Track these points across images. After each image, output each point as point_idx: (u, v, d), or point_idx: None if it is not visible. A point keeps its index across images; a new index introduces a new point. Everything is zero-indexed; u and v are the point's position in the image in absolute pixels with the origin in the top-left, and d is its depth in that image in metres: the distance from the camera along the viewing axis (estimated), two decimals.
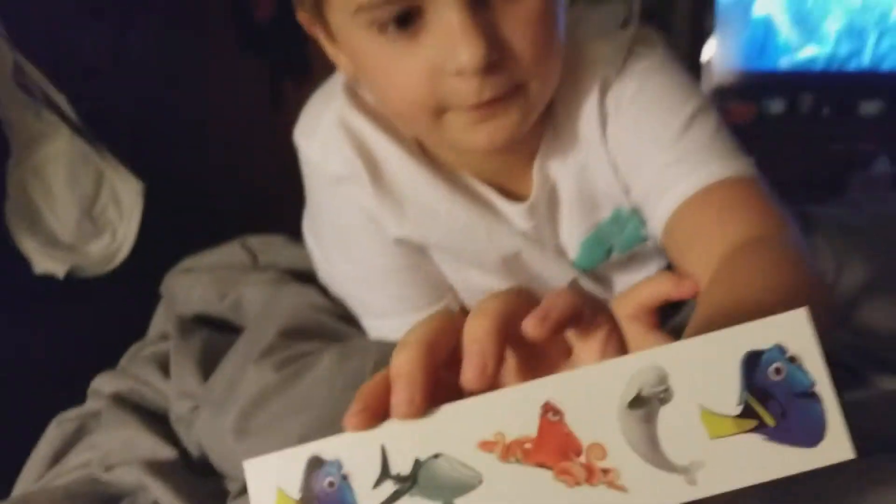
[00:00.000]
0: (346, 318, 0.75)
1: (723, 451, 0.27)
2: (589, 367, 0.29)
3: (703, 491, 0.27)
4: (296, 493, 0.31)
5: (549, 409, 0.29)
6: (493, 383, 0.30)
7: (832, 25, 1.87)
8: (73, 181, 1.22)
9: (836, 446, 0.26)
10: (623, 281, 0.76)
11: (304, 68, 1.73)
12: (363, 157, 0.66)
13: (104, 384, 0.77)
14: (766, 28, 1.92)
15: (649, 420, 0.28)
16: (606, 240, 0.72)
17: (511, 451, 0.29)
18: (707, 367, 0.28)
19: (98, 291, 1.21)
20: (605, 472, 0.28)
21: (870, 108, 1.90)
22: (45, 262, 1.18)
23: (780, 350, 0.27)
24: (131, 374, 0.78)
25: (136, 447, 0.67)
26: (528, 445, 0.29)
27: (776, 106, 2.05)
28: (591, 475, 0.28)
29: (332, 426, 0.59)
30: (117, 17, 1.43)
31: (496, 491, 0.29)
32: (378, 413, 0.30)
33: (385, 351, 0.65)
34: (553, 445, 0.28)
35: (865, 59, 1.85)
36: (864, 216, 0.88)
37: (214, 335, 0.79)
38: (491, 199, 0.69)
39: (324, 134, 0.68)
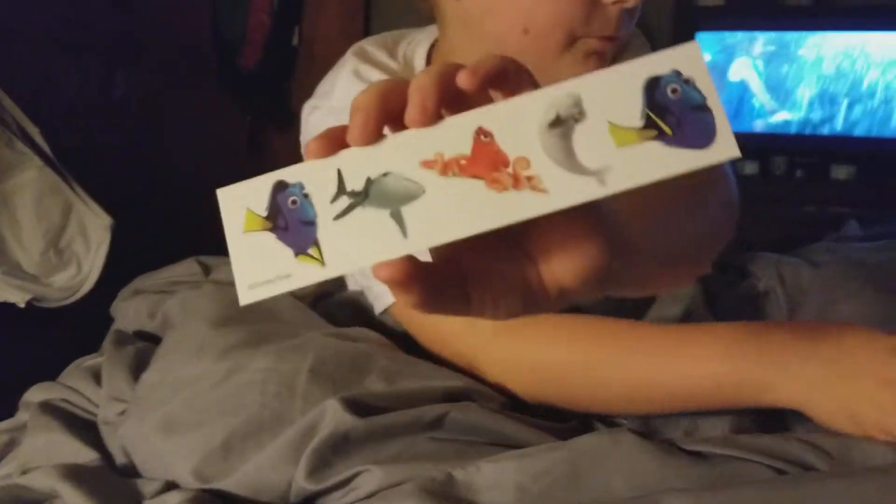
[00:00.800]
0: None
1: (628, 156, 0.32)
2: (514, 98, 0.34)
3: (611, 188, 0.32)
4: (263, 212, 0.36)
5: (481, 132, 0.33)
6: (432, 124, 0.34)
7: (805, 92, 1.91)
8: (40, 212, 1.23)
9: (725, 146, 0.31)
10: None
11: (285, 117, 1.76)
12: None
13: (35, 395, 0.76)
14: (742, 92, 1.96)
15: (566, 136, 0.32)
16: None
17: (449, 167, 0.34)
18: (614, 90, 0.32)
19: (59, 315, 1.20)
20: (529, 178, 0.33)
21: (841, 172, 1.93)
22: (7, 292, 1.17)
23: (675, 74, 0.32)
24: (63, 384, 0.77)
25: (58, 451, 0.66)
26: (463, 162, 0.34)
27: (750, 167, 2.08)
28: (518, 182, 0.33)
29: (259, 430, 0.60)
30: (105, 58, 1.46)
31: (437, 198, 0.34)
32: (335, 143, 0.35)
33: (322, 354, 0.65)
34: (485, 160, 0.33)
35: (837, 125, 1.88)
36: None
37: (148, 345, 0.79)
38: None
39: (342, 85, 0.76)
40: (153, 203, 1.45)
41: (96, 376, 0.76)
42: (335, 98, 0.77)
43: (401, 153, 0.34)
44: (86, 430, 0.69)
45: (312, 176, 0.35)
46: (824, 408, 0.57)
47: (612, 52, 0.73)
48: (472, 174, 0.33)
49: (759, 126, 2.03)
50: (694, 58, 0.32)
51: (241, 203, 0.36)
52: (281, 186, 0.36)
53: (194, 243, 1.41)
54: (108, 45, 1.46)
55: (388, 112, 0.35)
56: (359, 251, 0.35)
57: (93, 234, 1.28)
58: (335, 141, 0.35)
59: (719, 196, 0.71)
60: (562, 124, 0.33)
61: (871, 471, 0.51)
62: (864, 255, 0.89)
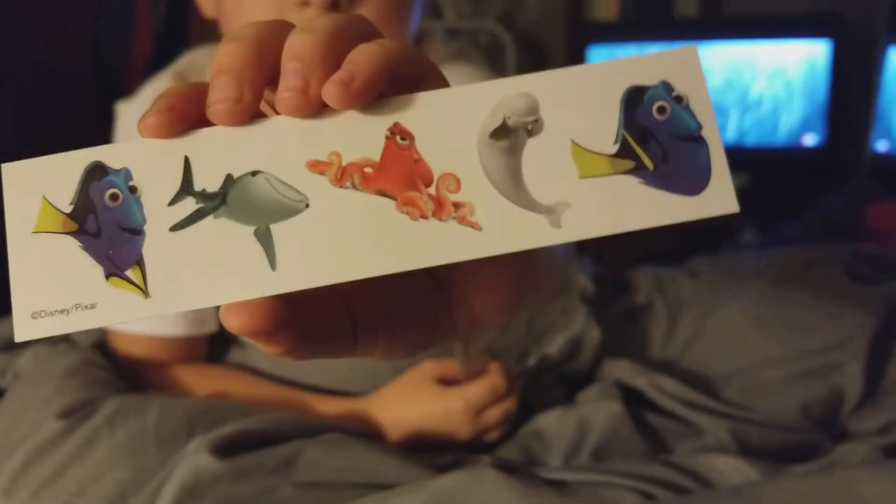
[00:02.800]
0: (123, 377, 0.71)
1: (593, 192, 0.24)
2: (449, 90, 0.25)
3: (566, 235, 0.24)
4: (66, 205, 0.25)
5: (398, 130, 0.25)
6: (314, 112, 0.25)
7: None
8: None
9: (720, 197, 0.24)
10: None
11: None
12: None
13: None
14: None
15: (513, 152, 0.24)
16: None
17: (347, 175, 0.24)
18: (584, 98, 0.24)
19: None
20: (458, 206, 0.24)
21: (736, 181, 1.93)
22: None
23: (665, 87, 0.25)
24: None
25: None
26: (368, 170, 0.24)
27: None
28: (441, 208, 0.24)
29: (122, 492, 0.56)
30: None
31: (324, 218, 0.24)
32: (185, 116, 0.25)
33: (166, 410, 0.62)
34: (399, 172, 0.24)
35: (730, 135, 1.92)
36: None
37: None
38: None
39: (141, 102, 0.72)
40: None
41: None
42: (154, 89, 0.73)
43: (281, 146, 0.25)
44: None
45: (146, 162, 0.25)
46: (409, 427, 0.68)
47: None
48: (378, 189, 0.24)
49: None
50: (691, 68, 0.25)
51: (34, 187, 0.25)
52: (97, 172, 0.25)
53: None
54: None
55: (269, 75, 0.25)
56: (201, 282, 0.24)
57: None
58: (183, 116, 0.25)
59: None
60: (509, 135, 0.24)
61: (733, 492, 0.51)
62: (748, 263, 0.91)
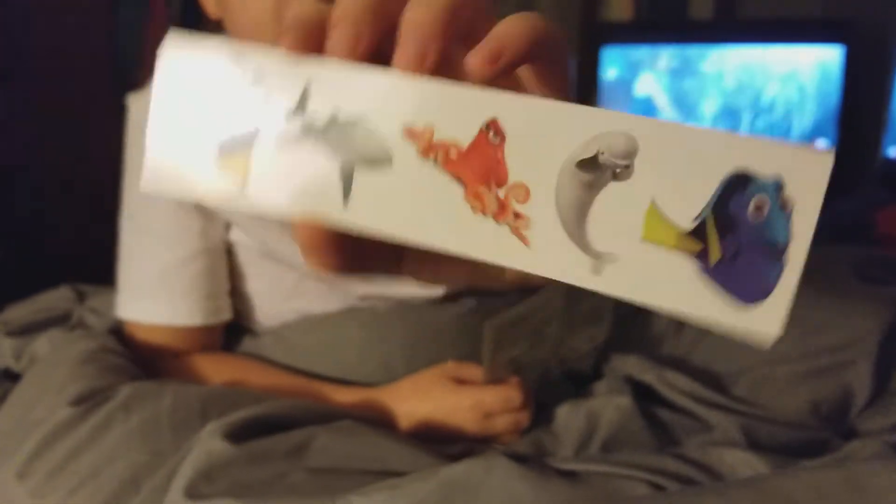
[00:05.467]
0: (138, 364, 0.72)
1: (647, 258, 0.23)
2: (557, 104, 0.24)
3: (602, 285, 0.23)
4: (206, 80, 0.27)
5: (493, 127, 0.25)
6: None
7: (709, 106, 1.96)
8: None
9: (769, 319, 0.23)
10: None
11: None
12: None
13: None
14: (648, 107, 1.99)
15: (592, 188, 0.24)
16: None
17: (433, 150, 0.25)
18: (685, 162, 0.23)
19: None
20: (517, 216, 0.24)
21: None
22: None
23: (776, 186, 0.22)
24: None
25: None
26: (453, 153, 0.25)
27: None
28: (502, 212, 0.25)
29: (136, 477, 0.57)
30: None
31: (400, 179, 0.26)
32: (314, 43, 0.26)
33: (180, 396, 0.63)
34: (479, 165, 0.25)
35: None
36: None
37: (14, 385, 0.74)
38: None
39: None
40: (33, 228, 1.40)
41: None
42: (145, 107, 0.74)
43: (386, 102, 0.26)
44: None
45: (277, 72, 0.27)
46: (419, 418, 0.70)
47: None
48: (455, 173, 0.25)
49: None
50: (816, 175, 0.22)
51: (185, 60, 0.27)
52: (238, 59, 0.27)
53: (73, 271, 1.36)
54: None
55: (387, 27, 0.26)
56: (287, 193, 0.27)
57: None
58: (315, 42, 0.26)
59: None
60: (595, 171, 0.23)
61: (744, 484, 0.51)
62: None
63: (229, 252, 0.77)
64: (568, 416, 0.68)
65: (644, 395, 0.70)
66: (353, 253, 0.28)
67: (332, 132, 0.26)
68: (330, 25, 0.26)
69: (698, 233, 0.23)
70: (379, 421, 0.67)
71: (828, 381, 0.70)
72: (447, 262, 0.28)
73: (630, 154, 0.23)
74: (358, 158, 0.26)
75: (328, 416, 0.63)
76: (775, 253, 0.22)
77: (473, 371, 0.71)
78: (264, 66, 0.27)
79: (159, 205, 0.74)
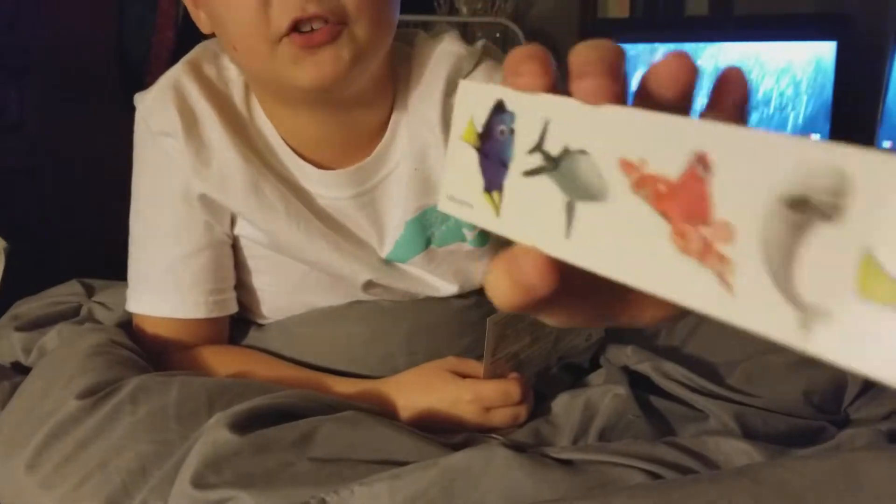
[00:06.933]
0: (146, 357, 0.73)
1: (865, 319, 0.19)
2: (766, 134, 0.21)
3: (810, 346, 0.20)
4: (480, 127, 0.31)
5: (701, 160, 0.23)
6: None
7: (702, 100, 1.97)
8: None
9: None
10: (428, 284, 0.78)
11: None
12: (183, 115, 0.71)
13: None
14: None
15: (798, 230, 0.20)
16: (429, 226, 0.76)
17: (645, 184, 0.24)
18: None
19: None
20: (721, 259, 0.22)
21: None
22: None
23: None
24: None
25: None
26: (661, 187, 0.24)
27: None
28: (706, 253, 0.22)
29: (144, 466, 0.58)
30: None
31: (614, 215, 0.25)
32: (549, 81, 0.29)
33: (187, 388, 0.64)
34: (686, 201, 0.23)
35: None
36: None
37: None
38: (304, 173, 0.74)
39: (156, 93, 0.73)
40: (44, 225, 1.40)
41: None
42: (147, 110, 0.74)
43: (608, 136, 0.26)
44: None
45: (524, 112, 0.29)
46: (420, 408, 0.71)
47: (351, 51, 0.64)
48: (662, 210, 0.24)
49: None
50: None
51: (470, 106, 0.32)
52: (499, 108, 0.30)
53: (83, 266, 1.36)
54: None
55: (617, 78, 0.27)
56: (526, 223, 0.29)
57: None
58: (549, 79, 0.29)
59: None
60: (804, 210, 0.20)
61: (739, 472, 0.52)
62: None
63: (235, 246, 0.78)
64: (566, 406, 0.69)
65: (640, 385, 0.71)
66: (559, 287, 0.28)
67: (562, 165, 0.27)
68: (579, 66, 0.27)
69: None
70: (381, 412, 0.68)
71: (821, 371, 0.71)
72: (650, 307, 0.29)
73: (840, 192, 0.19)
74: (581, 192, 0.27)
75: (332, 406, 0.64)
76: None
77: (474, 366, 0.72)
78: (517, 109, 0.29)
79: (166, 200, 0.75)
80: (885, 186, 0.19)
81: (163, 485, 0.57)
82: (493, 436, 0.66)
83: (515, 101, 0.29)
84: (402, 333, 0.77)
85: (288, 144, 0.75)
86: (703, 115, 0.28)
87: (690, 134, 0.23)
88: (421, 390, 0.71)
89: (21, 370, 0.78)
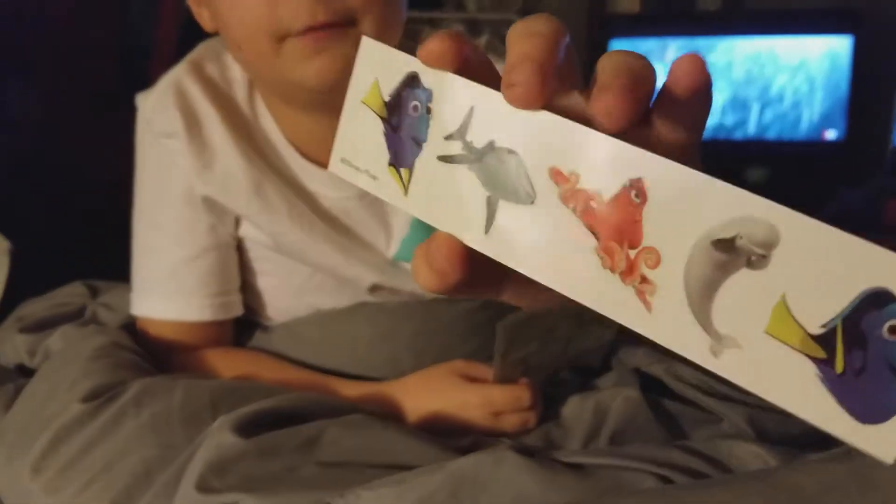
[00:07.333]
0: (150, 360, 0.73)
1: (768, 352, 0.22)
2: (708, 178, 0.23)
3: (719, 368, 0.23)
4: (387, 95, 0.30)
5: (635, 187, 0.24)
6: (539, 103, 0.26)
7: (717, 97, 1.95)
8: None
9: (885, 441, 0.21)
10: None
11: None
12: (186, 116, 0.71)
13: None
14: None
15: (723, 270, 0.23)
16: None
17: (575, 199, 0.26)
18: (826, 266, 0.21)
19: None
20: (644, 280, 0.24)
21: (756, 174, 1.96)
22: None
23: None
24: None
25: None
26: (593, 204, 0.25)
27: None
28: (630, 273, 0.24)
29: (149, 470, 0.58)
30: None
31: (539, 221, 0.26)
32: (468, 68, 0.29)
33: (191, 391, 0.63)
34: (616, 222, 0.25)
35: (751, 129, 1.92)
36: None
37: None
38: (308, 174, 0.74)
39: (158, 93, 0.73)
40: (48, 226, 1.40)
41: None
42: (149, 111, 0.74)
43: (542, 143, 0.26)
44: None
45: (445, 93, 0.28)
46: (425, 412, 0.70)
47: (355, 45, 0.66)
48: (591, 225, 0.25)
49: None
50: None
51: (375, 68, 0.31)
52: (412, 81, 0.29)
53: (87, 268, 1.36)
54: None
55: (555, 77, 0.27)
56: (439, 209, 0.29)
57: None
58: (467, 65, 0.29)
59: None
60: (730, 253, 0.23)
61: (752, 477, 0.51)
62: None
63: (240, 248, 0.78)
64: (576, 409, 0.68)
65: (652, 388, 0.70)
66: (473, 273, 0.29)
67: (486, 159, 0.27)
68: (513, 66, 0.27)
69: (825, 340, 0.22)
70: (387, 415, 0.67)
71: None
72: (546, 291, 0.29)
73: (769, 245, 0.22)
74: (505, 190, 0.27)
75: (338, 409, 0.63)
76: None
77: (482, 369, 0.71)
78: (435, 87, 0.29)
79: (169, 202, 0.74)
80: (809, 247, 0.22)
81: (167, 488, 0.57)
82: (502, 439, 0.65)
83: (434, 79, 0.29)
84: (409, 335, 0.76)
85: (292, 145, 0.74)
86: (654, 103, 0.28)
87: (630, 161, 0.25)
88: (428, 393, 0.70)
89: (25, 372, 0.78)
